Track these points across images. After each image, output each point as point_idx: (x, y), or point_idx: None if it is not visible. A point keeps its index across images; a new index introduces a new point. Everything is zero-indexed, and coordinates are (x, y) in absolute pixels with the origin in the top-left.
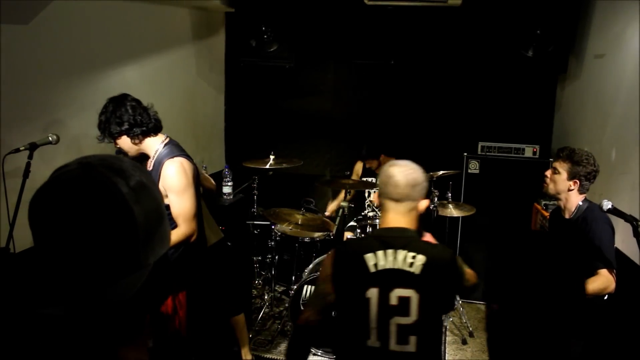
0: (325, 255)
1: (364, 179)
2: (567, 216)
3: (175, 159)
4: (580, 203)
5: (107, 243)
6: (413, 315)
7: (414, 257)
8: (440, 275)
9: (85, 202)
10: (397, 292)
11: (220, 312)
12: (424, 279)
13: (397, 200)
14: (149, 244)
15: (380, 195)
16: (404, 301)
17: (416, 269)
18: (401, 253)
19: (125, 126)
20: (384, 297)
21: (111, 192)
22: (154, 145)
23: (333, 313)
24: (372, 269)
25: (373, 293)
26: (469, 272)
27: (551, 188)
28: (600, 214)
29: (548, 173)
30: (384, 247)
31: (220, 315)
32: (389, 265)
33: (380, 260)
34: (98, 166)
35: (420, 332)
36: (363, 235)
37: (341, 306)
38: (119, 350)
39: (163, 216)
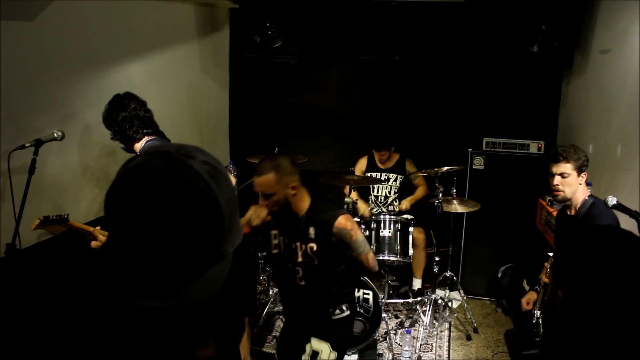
0: (350, 222)
1: (368, 174)
2: (572, 213)
3: None
4: (586, 198)
5: (197, 231)
6: None
7: None
8: None
9: (174, 191)
10: None
11: (225, 314)
12: None
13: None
14: (230, 233)
15: (298, 181)
16: None
17: None
18: None
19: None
20: None
21: (197, 181)
22: (141, 144)
23: None
24: None
25: None
26: None
27: (568, 193)
28: (605, 210)
29: (557, 181)
30: None
31: (225, 317)
32: None
33: None
34: (177, 154)
35: None
36: (366, 232)
37: None
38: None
39: (237, 204)
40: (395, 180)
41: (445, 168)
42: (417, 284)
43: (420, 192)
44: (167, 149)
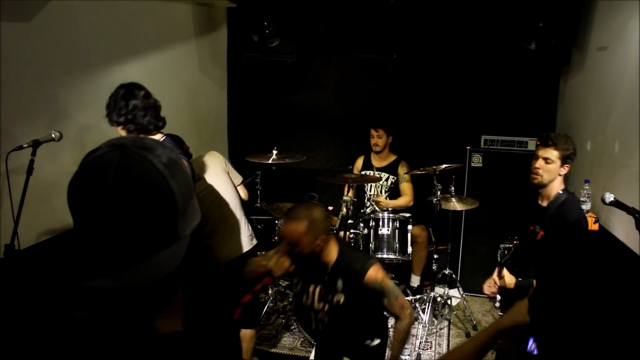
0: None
1: (364, 172)
2: (544, 203)
3: None
4: (560, 192)
5: (150, 218)
6: None
7: None
8: None
9: (127, 181)
10: None
11: (230, 322)
12: None
13: None
14: (185, 216)
15: (327, 234)
16: None
17: None
18: None
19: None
20: None
21: (150, 170)
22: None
23: None
24: None
25: None
26: None
27: (545, 178)
28: (577, 205)
29: (539, 164)
30: None
31: (230, 325)
32: None
33: None
34: (132, 147)
35: None
36: (365, 230)
37: None
38: (154, 321)
39: (193, 188)
40: (387, 180)
41: (444, 166)
42: (415, 281)
43: (402, 201)
44: (122, 141)
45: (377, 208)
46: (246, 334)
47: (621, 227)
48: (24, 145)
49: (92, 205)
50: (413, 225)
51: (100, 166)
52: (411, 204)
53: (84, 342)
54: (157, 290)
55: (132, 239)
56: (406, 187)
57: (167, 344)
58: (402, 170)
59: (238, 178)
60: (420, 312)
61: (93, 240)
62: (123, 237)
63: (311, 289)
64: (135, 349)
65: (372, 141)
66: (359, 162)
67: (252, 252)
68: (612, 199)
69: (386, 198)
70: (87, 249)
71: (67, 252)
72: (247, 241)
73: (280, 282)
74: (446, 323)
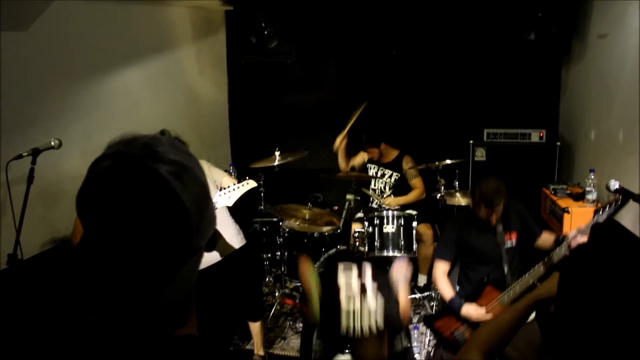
0: None
1: (368, 166)
2: None
3: None
4: None
5: (162, 235)
6: None
7: None
8: None
9: (134, 199)
10: None
11: (238, 316)
12: None
13: None
14: (199, 230)
15: None
16: None
17: None
18: None
19: None
20: None
21: (160, 186)
22: None
23: None
24: None
25: None
26: None
27: None
28: None
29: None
30: None
31: (238, 318)
32: None
33: None
34: (141, 158)
35: None
36: (370, 228)
37: None
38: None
39: (209, 196)
40: (390, 177)
41: (447, 161)
42: (422, 280)
43: (413, 195)
44: (132, 150)
45: (383, 206)
46: (254, 327)
47: (627, 215)
48: (24, 154)
49: (100, 224)
50: (418, 224)
51: (106, 180)
52: (423, 195)
53: (97, 345)
54: (175, 306)
55: (145, 258)
56: (416, 181)
57: (182, 347)
58: (406, 164)
59: (220, 174)
60: (429, 309)
61: (108, 262)
62: (138, 257)
63: None
64: (150, 352)
65: (368, 155)
66: (359, 157)
67: (244, 249)
68: (617, 186)
69: (390, 195)
70: (105, 273)
71: (78, 267)
72: (236, 240)
73: (287, 285)
74: None
